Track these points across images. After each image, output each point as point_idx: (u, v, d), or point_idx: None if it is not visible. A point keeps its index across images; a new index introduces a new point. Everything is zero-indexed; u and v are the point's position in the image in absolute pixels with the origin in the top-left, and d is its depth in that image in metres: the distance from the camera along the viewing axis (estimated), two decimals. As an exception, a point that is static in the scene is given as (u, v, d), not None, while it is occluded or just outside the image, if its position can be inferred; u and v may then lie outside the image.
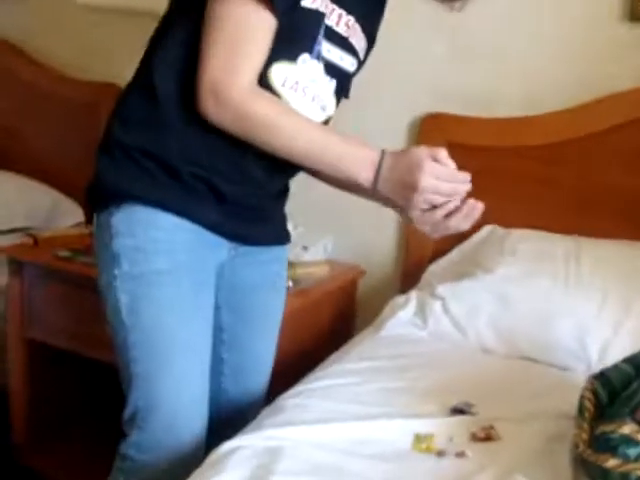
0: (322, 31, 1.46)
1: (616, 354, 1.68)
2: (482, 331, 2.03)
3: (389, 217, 2.49)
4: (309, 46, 1.46)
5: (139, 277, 1.48)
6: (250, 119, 1.40)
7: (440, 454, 1.45)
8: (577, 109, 2.26)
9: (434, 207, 1.40)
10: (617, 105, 2.22)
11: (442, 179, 1.38)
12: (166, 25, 1.51)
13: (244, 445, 1.44)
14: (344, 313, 2.43)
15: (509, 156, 2.33)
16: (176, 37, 1.47)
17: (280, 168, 1.54)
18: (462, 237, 2.35)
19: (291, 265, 2.12)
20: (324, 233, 2.43)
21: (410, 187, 1.38)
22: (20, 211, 2.74)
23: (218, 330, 1.67)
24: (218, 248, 1.58)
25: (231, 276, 1.65)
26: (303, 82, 1.48)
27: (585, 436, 1.35)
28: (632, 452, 1.23)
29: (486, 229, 2.34)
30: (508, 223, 2.33)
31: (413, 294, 2.19)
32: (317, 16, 1.44)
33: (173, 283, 1.50)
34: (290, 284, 2.10)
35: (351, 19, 1.51)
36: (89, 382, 2.45)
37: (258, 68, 1.40)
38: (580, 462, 1.33)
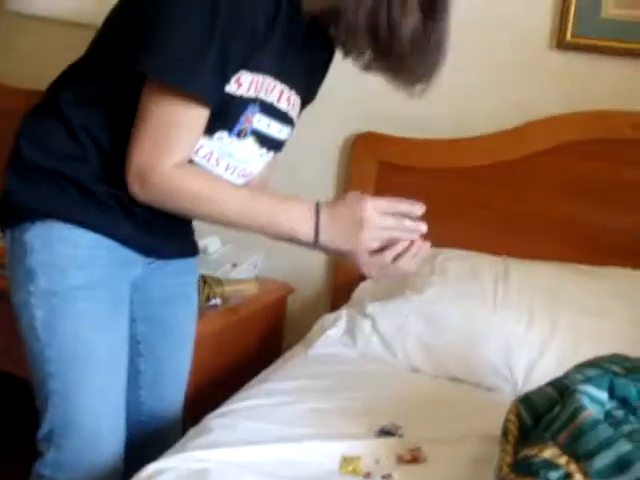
0: (247, 111, 1.45)
1: (542, 374, 1.71)
2: (411, 351, 2.04)
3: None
4: (229, 126, 1.46)
5: (55, 293, 1.47)
6: (175, 196, 1.41)
7: (367, 476, 1.45)
8: (509, 132, 2.30)
9: (382, 249, 1.41)
10: (548, 129, 2.27)
11: (385, 212, 1.41)
12: (92, 55, 1.50)
13: (168, 467, 1.43)
14: (273, 331, 2.42)
15: (440, 176, 2.35)
16: (94, 78, 1.46)
17: None
18: (393, 256, 2.37)
19: (220, 282, 2.12)
20: (254, 250, 2.42)
21: (355, 226, 1.39)
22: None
23: (135, 342, 1.68)
24: (133, 263, 1.58)
25: (144, 289, 1.66)
26: (217, 154, 1.48)
27: (509, 459, 1.36)
28: (553, 476, 1.24)
29: (416, 248, 2.36)
30: (438, 243, 2.34)
31: (343, 312, 2.19)
32: (244, 102, 1.43)
33: (90, 298, 1.49)
34: (219, 302, 2.10)
35: (292, 93, 1.52)
36: (9, 401, 2.38)
37: (187, 152, 1.41)
38: (503, 485, 1.34)
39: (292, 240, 1.44)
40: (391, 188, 2.39)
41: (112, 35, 1.47)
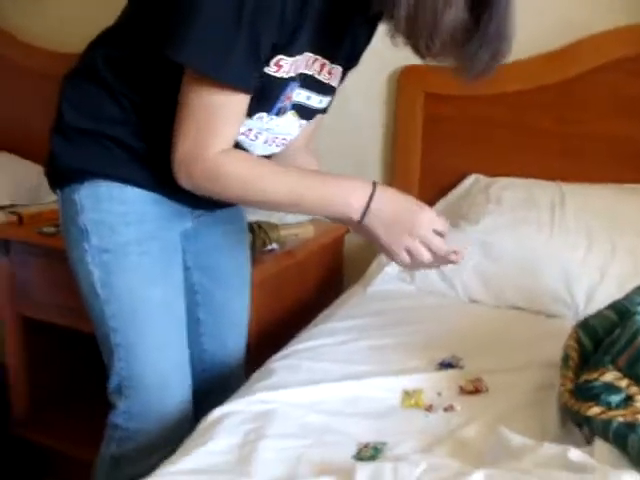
0: (287, 90, 1.42)
1: (603, 298, 1.68)
2: (469, 282, 2.03)
3: (373, 172, 2.50)
4: (268, 107, 1.43)
5: (107, 250, 1.50)
6: (222, 184, 1.39)
7: (429, 409, 1.47)
8: (555, 53, 2.24)
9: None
10: (596, 47, 2.19)
11: (436, 230, 1.42)
12: (125, 24, 1.49)
13: (234, 411, 1.46)
14: (331, 272, 2.43)
15: (489, 104, 2.31)
16: (131, 42, 1.45)
17: None
18: (446, 188, 2.36)
19: (275, 227, 2.13)
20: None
21: (404, 226, 1.40)
22: (4, 189, 2.72)
23: (191, 292, 1.71)
24: (182, 216, 1.61)
25: (196, 239, 1.69)
26: (256, 130, 1.46)
27: (569, 386, 1.36)
28: (614, 399, 1.24)
29: (469, 179, 2.35)
30: (492, 172, 2.32)
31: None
32: (284, 81, 1.40)
33: (141, 253, 1.52)
34: (276, 246, 2.11)
35: (333, 66, 1.49)
36: (84, 355, 2.46)
37: (230, 138, 1.38)
38: (565, 410, 1.34)
39: (342, 219, 1.44)
40: (439, 119, 2.37)
41: (143, 8, 1.44)
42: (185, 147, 1.36)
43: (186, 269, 1.67)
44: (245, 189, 1.40)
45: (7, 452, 2.40)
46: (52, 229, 2.23)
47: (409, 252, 1.42)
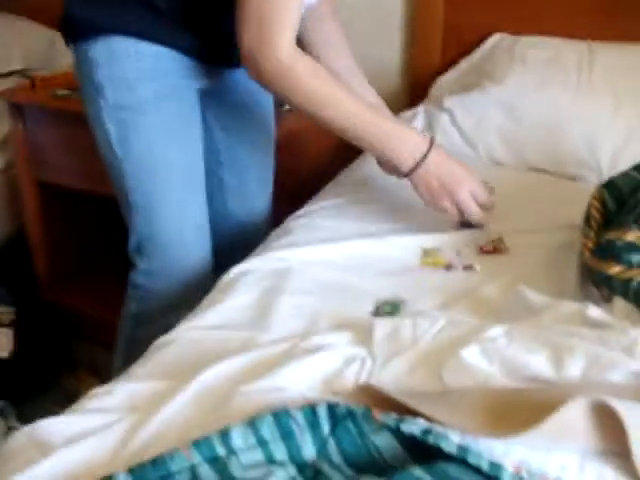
0: None
1: (628, 162, 1.64)
2: (491, 144, 2.00)
3: (394, 27, 2.41)
4: None
5: (124, 107, 1.48)
6: (289, 89, 1.39)
7: (448, 268, 1.46)
8: None
9: None
10: None
11: (477, 201, 1.50)
12: None
13: (253, 268, 1.46)
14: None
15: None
16: None
17: None
18: (470, 47, 2.28)
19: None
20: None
21: (445, 193, 1.49)
22: (17, 53, 2.67)
23: (214, 152, 1.69)
24: (201, 74, 1.57)
25: (217, 97, 1.66)
26: None
27: (591, 244, 1.35)
28: (635, 259, 1.23)
29: (494, 38, 2.26)
30: (517, 30, 2.24)
31: (420, 108, 2.14)
32: None
33: (159, 110, 1.50)
34: (294, 104, 2.06)
35: None
36: (104, 218, 2.47)
37: (293, 26, 1.35)
38: (585, 270, 1.33)
39: (389, 163, 1.50)
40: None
41: None
42: (250, 41, 1.34)
43: (208, 128, 1.65)
44: (316, 106, 1.40)
45: (37, 317, 2.45)
46: (66, 92, 2.20)
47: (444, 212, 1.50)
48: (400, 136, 1.47)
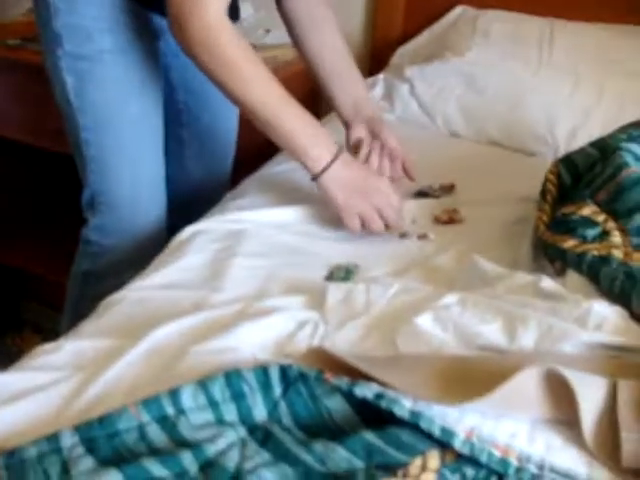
0: None
1: (585, 140, 1.64)
2: (450, 115, 1.99)
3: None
4: None
5: (83, 57, 1.45)
6: (215, 54, 1.30)
7: (403, 236, 1.46)
8: None
9: None
10: None
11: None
12: None
13: (206, 229, 1.44)
14: (309, 96, 2.36)
15: None
16: None
17: None
18: (432, 18, 2.27)
19: (254, 48, 2.04)
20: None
21: (360, 195, 1.39)
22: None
23: (176, 111, 1.66)
24: (163, 29, 1.53)
25: (183, 58, 1.60)
26: None
27: (546, 218, 1.35)
28: (590, 233, 1.24)
29: (457, 10, 2.26)
30: (481, 3, 2.23)
31: (380, 77, 2.13)
32: None
33: (117, 62, 1.47)
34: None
35: None
36: (55, 173, 2.42)
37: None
38: (540, 244, 1.34)
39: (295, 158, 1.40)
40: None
41: None
42: (181, 3, 1.27)
43: (172, 88, 1.62)
44: (231, 75, 1.32)
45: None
46: (17, 41, 2.14)
47: (362, 217, 1.40)
48: (305, 141, 1.37)
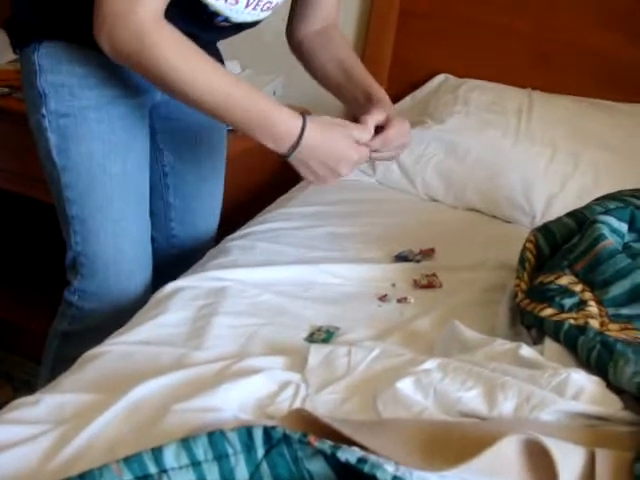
0: None
1: (561, 209, 1.69)
2: (430, 180, 2.03)
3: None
4: None
5: (66, 114, 1.44)
6: (145, 55, 1.24)
7: (382, 299, 1.48)
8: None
9: None
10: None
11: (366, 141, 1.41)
12: None
13: (188, 286, 1.45)
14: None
15: (468, 3, 2.26)
16: None
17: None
18: (415, 85, 2.32)
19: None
20: (273, 75, 2.37)
21: (330, 171, 1.39)
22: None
23: (162, 175, 1.65)
24: (150, 87, 1.50)
25: (167, 117, 1.62)
26: None
27: (524, 286, 1.38)
28: (567, 302, 1.26)
29: (439, 78, 2.31)
30: (462, 73, 2.29)
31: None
32: None
33: (101, 119, 1.45)
34: (238, 126, 2.05)
35: None
36: (33, 223, 2.41)
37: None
38: (517, 311, 1.36)
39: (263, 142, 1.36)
40: (414, 14, 2.32)
41: None
42: (110, 7, 1.22)
43: (158, 149, 1.60)
44: (168, 71, 1.25)
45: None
46: (6, 90, 2.14)
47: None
48: (270, 121, 1.32)
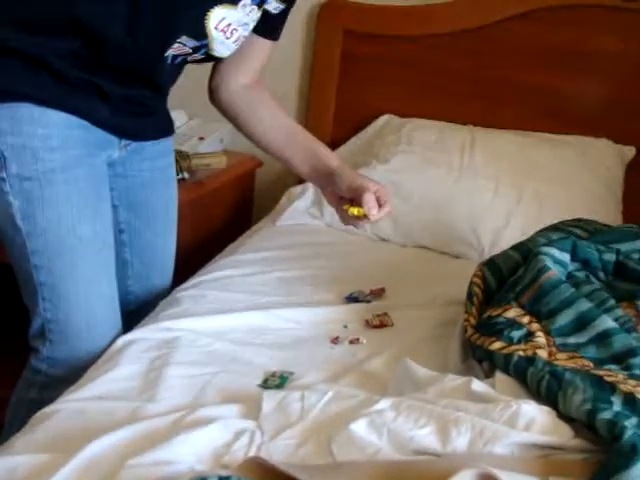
0: None
1: (508, 241, 1.71)
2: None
3: (287, 105, 2.46)
4: None
5: (29, 178, 1.39)
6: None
7: (335, 341, 1.48)
8: (478, -1, 2.25)
9: None
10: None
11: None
12: None
13: (139, 338, 1.45)
14: (241, 205, 2.41)
15: (408, 45, 2.31)
16: None
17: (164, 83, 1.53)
18: (360, 127, 2.35)
19: (187, 156, 2.09)
20: (220, 124, 2.39)
21: None
22: None
23: (118, 232, 1.62)
24: (109, 145, 1.52)
25: (123, 175, 1.61)
26: (233, 25, 1.42)
27: (473, 321, 1.40)
28: (516, 334, 1.28)
29: (383, 119, 2.35)
30: (405, 113, 2.33)
31: (310, 184, 2.18)
32: None
33: (67, 181, 1.42)
34: (186, 175, 2.07)
35: None
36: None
37: None
38: (468, 346, 1.38)
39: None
40: (356, 57, 2.36)
41: None
42: None
43: (113, 207, 1.58)
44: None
45: None
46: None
47: None
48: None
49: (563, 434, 1.08)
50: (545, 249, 1.40)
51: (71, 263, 1.46)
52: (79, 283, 1.48)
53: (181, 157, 2.06)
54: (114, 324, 1.56)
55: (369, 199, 1.47)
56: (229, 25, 1.41)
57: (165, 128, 1.68)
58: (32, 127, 1.39)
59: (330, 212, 2.07)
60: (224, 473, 0.92)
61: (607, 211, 2.00)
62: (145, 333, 1.47)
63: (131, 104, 1.50)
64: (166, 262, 1.76)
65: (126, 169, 1.61)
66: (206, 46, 1.42)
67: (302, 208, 2.12)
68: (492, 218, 1.98)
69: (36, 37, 1.36)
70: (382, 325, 1.56)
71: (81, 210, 1.45)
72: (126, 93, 1.46)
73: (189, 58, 1.46)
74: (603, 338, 1.26)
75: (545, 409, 1.11)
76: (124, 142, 1.56)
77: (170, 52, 1.41)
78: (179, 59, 1.45)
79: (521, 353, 1.23)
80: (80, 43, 1.37)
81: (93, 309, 1.51)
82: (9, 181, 1.39)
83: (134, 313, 1.67)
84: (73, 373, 1.45)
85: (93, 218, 1.48)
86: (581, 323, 1.28)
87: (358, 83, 2.38)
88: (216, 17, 1.38)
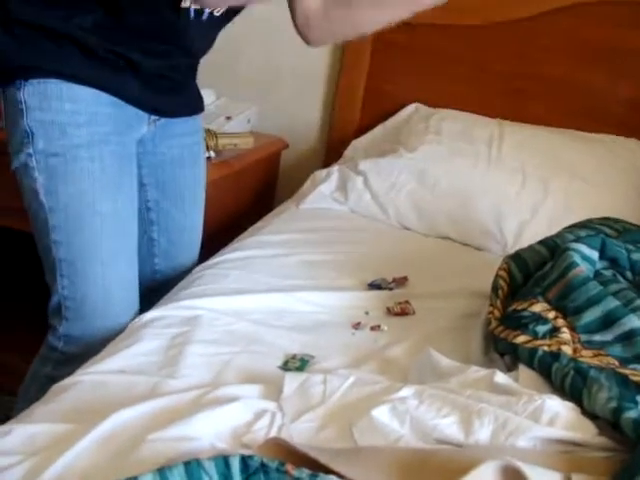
0: None
1: (532, 236, 1.71)
2: (402, 209, 2.04)
3: (315, 89, 2.46)
4: None
5: (56, 154, 1.39)
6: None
7: (356, 327, 1.48)
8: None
9: None
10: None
11: None
12: None
13: (161, 315, 1.45)
14: (266, 186, 2.41)
15: (440, 35, 2.29)
16: None
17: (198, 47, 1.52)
18: (387, 114, 2.34)
19: (215, 135, 2.08)
20: (248, 104, 2.38)
21: None
22: None
23: (145, 210, 1.62)
24: (137, 121, 1.51)
25: (152, 152, 1.60)
26: None
27: (497, 314, 1.39)
28: (541, 329, 1.27)
29: (411, 107, 2.34)
30: (434, 103, 2.32)
31: (335, 168, 2.18)
32: None
33: (92, 158, 1.42)
34: (212, 154, 2.06)
35: None
36: (9, 254, 2.36)
37: None
38: (491, 338, 1.37)
39: None
40: (389, 44, 2.34)
41: None
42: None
43: (141, 185, 1.58)
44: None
45: None
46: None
47: None
48: None
49: (587, 431, 1.07)
50: (574, 245, 1.39)
51: (90, 240, 1.46)
52: (97, 262, 1.47)
53: (209, 136, 2.05)
54: (131, 304, 1.55)
55: None
56: None
57: (195, 105, 1.67)
58: (60, 103, 1.39)
59: (354, 197, 2.07)
60: (246, 452, 0.91)
61: (634, 211, 1.97)
62: (166, 311, 1.46)
63: (162, 79, 1.50)
64: (193, 241, 1.76)
65: (155, 145, 1.60)
66: None
67: (326, 192, 2.11)
68: (517, 212, 1.97)
69: (61, 11, 1.36)
70: (403, 313, 1.55)
71: (104, 187, 1.44)
72: (156, 65, 1.45)
73: (215, 12, 1.43)
74: (629, 337, 1.25)
75: (569, 405, 1.10)
76: (153, 117, 1.55)
77: (188, 3, 1.38)
78: (205, 15, 1.42)
79: (546, 348, 1.22)
80: (102, 12, 1.37)
81: (110, 288, 1.50)
82: (35, 157, 1.40)
83: (160, 291, 1.66)
84: (88, 351, 1.44)
85: (115, 196, 1.47)
86: (607, 321, 1.27)
87: (388, 70, 2.37)
88: None
